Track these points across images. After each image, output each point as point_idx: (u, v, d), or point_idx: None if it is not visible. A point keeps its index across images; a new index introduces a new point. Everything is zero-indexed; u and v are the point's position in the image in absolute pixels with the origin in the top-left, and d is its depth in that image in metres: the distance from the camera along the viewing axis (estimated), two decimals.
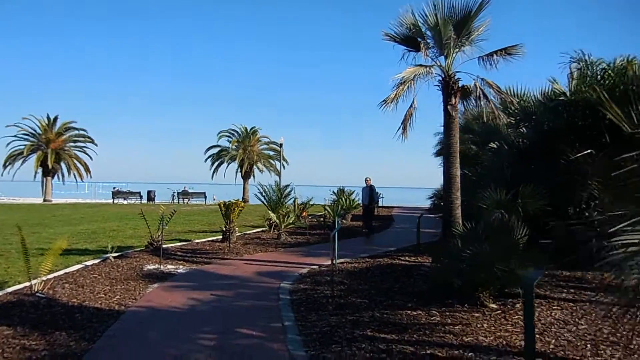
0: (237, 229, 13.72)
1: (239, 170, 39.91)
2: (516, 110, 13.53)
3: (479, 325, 5.33)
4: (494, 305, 6.02)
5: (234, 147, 39.86)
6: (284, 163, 38.43)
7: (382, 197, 29.20)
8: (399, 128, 9.56)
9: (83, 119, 72.09)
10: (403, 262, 9.32)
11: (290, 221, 14.65)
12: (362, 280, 7.96)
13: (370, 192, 15.79)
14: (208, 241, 13.53)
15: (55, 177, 40.21)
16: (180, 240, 13.48)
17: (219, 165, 41.17)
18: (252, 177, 40.60)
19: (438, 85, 9.24)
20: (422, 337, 4.99)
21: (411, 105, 9.30)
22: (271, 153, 41.94)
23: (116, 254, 10.30)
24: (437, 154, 33.44)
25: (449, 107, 8.94)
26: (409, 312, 5.99)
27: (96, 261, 9.73)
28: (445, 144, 9.16)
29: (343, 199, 20.14)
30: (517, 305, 5.98)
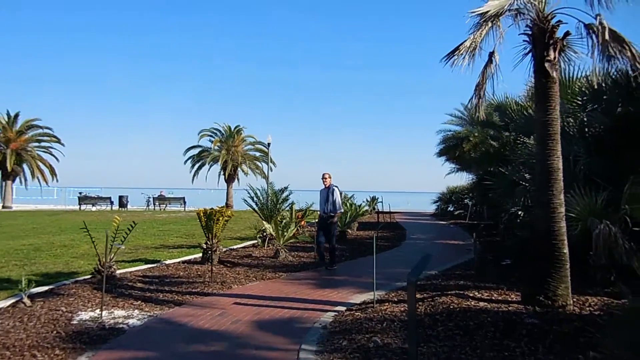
0: (221, 246, 10.38)
1: (222, 172, 36.37)
2: (583, 89, 10.58)
3: None
4: None
5: (216, 147, 36.33)
6: (272, 165, 35.12)
7: (380, 202, 26.09)
8: (472, 97, 6.40)
9: (49, 119, 66.90)
10: (477, 304, 6.11)
11: (291, 234, 11.36)
12: (439, 345, 4.72)
13: (328, 196, 9.77)
14: (183, 262, 10.16)
15: (18, 180, 36.19)
16: (146, 262, 10.09)
17: (200, 168, 37.56)
18: (236, 180, 37.10)
19: (526, 35, 6.11)
20: None
21: (490, 60, 6.14)
22: (257, 154, 38.51)
23: (38, 290, 6.92)
24: (440, 153, 30.80)
25: (546, 64, 5.80)
26: None
27: (5, 304, 6.34)
28: (539, 122, 6.02)
29: (348, 205, 16.91)
30: None
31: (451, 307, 5.90)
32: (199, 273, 8.97)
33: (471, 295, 6.58)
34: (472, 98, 6.45)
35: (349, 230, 15.36)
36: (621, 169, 8.92)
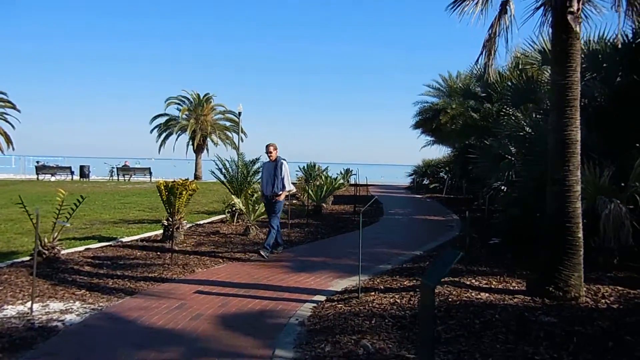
0: (185, 221, 9.36)
1: (191, 142, 34.86)
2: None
3: None
4: None
5: (184, 116, 34.68)
6: (243, 135, 33.79)
7: (355, 175, 25.29)
8: (480, 55, 5.49)
9: (6, 85, 63.27)
10: (479, 296, 5.32)
11: (262, 210, 10.38)
12: (442, 350, 3.91)
13: (276, 172, 8.06)
14: (142, 240, 9.12)
15: None
16: (101, 239, 9.01)
17: (167, 137, 35.92)
18: (205, 150, 35.65)
19: None
20: None
21: (503, 9, 5.20)
22: (227, 124, 37.04)
23: None
24: (416, 125, 30.09)
25: (569, 16, 4.91)
26: None
27: None
28: (557, 86, 5.16)
29: (324, 178, 16.01)
30: None
31: (449, 299, 5.10)
32: (158, 253, 7.97)
33: (467, 283, 5.81)
34: (479, 56, 5.53)
35: (324, 205, 14.50)
36: (625, 142, 8.26)
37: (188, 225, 10.37)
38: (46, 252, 6.90)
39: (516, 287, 5.61)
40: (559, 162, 5.17)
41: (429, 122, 27.42)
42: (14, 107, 34.02)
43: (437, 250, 8.51)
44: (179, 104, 35.47)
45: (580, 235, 5.12)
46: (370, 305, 5.09)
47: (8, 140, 34.30)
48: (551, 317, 4.39)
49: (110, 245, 8.50)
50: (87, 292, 5.62)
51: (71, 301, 5.27)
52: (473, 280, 5.94)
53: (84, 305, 5.13)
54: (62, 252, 7.39)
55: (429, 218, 14.03)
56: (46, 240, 7.02)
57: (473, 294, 5.29)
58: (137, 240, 9.13)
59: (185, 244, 8.75)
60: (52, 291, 5.60)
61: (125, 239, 9.13)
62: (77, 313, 4.89)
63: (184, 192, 8.82)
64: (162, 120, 35.81)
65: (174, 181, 8.86)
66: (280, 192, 8.06)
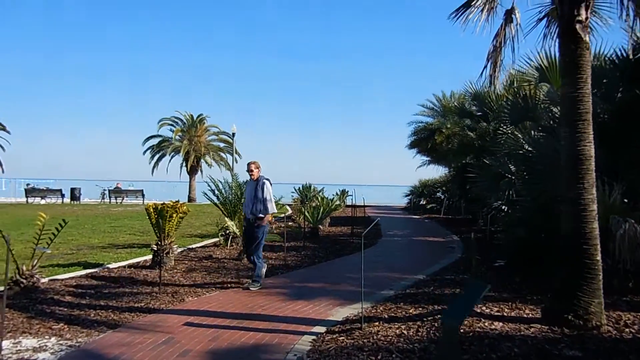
0: (175, 246, 8.92)
1: (185, 164, 34.45)
2: None
3: None
4: None
5: (177, 137, 34.33)
6: (237, 157, 33.49)
7: (351, 196, 24.86)
8: (485, 67, 5.19)
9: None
10: (492, 325, 4.92)
11: None
12: None
13: (258, 194, 7.22)
14: (130, 267, 8.66)
15: None
16: (86, 266, 8.54)
17: (160, 159, 35.50)
18: (199, 172, 35.20)
19: None
20: None
21: (509, 18, 4.93)
22: (221, 145, 36.71)
23: None
24: (412, 145, 29.87)
25: (577, 25, 4.65)
26: None
27: None
28: (567, 99, 4.87)
29: (320, 199, 15.63)
30: None
31: (461, 329, 4.69)
32: (147, 280, 7.52)
33: (478, 310, 5.40)
34: (484, 69, 5.24)
35: (320, 227, 14.08)
36: (630, 159, 7.98)
37: (179, 250, 9.94)
38: (24, 281, 6.45)
39: (530, 315, 5.21)
40: (572, 179, 4.84)
41: (424, 141, 27.25)
42: (4, 128, 33.61)
43: (440, 274, 8.11)
44: (172, 124, 35.19)
45: (599, 257, 4.77)
46: (375, 337, 4.66)
47: None
48: (575, 350, 3.99)
49: (95, 273, 8.03)
50: (66, 326, 5.15)
51: (46, 337, 4.81)
52: (483, 308, 5.53)
53: (60, 342, 4.67)
54: (43, 280, 6.95)
55: (429, 239, 13.65)
56: (24, 268, 6.57)
57: (486, 324, 4.88)
58: (124, 266, 8.66)
59: (175, 270, 8.29)
60: (27, 325, 5.14)
61: (113, 265, 8.66)
62: (51, 351, 4.43)
63: (175, 215, 8.42)
64: (155, 141, 35.43)
65: (164, 203, 8.46)
66: (262, 216, 7.21)
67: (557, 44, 5.10)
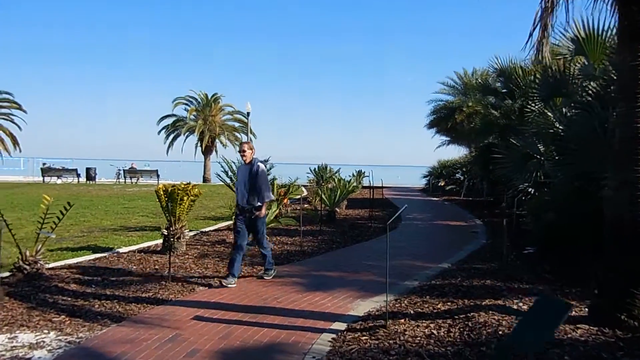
0: (187, 230, 8.55)
1: (199, 144, 34.17)
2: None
3: None
4: None
5: (192, 116, 33.99)
6: (252, 136, 33.04)
7: (368, 176, 24.27)
8: (531, 31, 4.57)
9: (19, 88, 62.70)
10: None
11: (272, 216, 9.56)
12: None
13: (252, 179, 6.34)
14: (140, 252, 8.31)
15: None
16: (95, 250, 8.23)
17: (175, 139, 35.28)
18: (214, 152, 34.93)
19: None
20: None
21: None
22: (236, 124, 36.30)
23: None
24: (431, 124, 29.07)
25: None
26: None
27: None
28: (626, 68, 4.24)
29: (337, 181, 15.13)
30: None
31: (499, 331, 4.21)
32: (156, 267, 7.16)
33: (515, 307, 4.91)
34: (529, 36, 4.63)
35: (337, 210, 13.62)
36: None
37: (192, 233, 9.59)
38: (27, 267, 6.12)
39: (574, 313, 4.70)
40: (628, 160, 4.26)
41: (444, 121, 26.49)
42: (19, 107, 33.52)
43: (466, 262, 7.61)
44: (186, 104, 34.83)
45: None
46: (402, 338, 4.20)
47: (15, 142, 33.81)
48: (637, 358, 3.48)
49: (104, 258, 7.71)
50: (67, 319, 4.80)
51: (45, 331, 4.45)
52: (520, 304, 5.03)
53: (60, 337, 4.31)
54: (48, 266, 6.62)
55: (451, 224, 13.12)
56: (28, 253, 6.23)
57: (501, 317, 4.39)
58: (134, 251, 8.32)
59: (187, 256, 7.92)
60: (26, 317, 4.79)
61: (122, 250, 8.34)
62: (49, 348, 4.07)
63: (185, 198, 8.02)
64: (169, 121, 35.19)
65: (174, 186, 8.05)
66: (259, 205, 6.39)
67: (610, 5, 4.44)
